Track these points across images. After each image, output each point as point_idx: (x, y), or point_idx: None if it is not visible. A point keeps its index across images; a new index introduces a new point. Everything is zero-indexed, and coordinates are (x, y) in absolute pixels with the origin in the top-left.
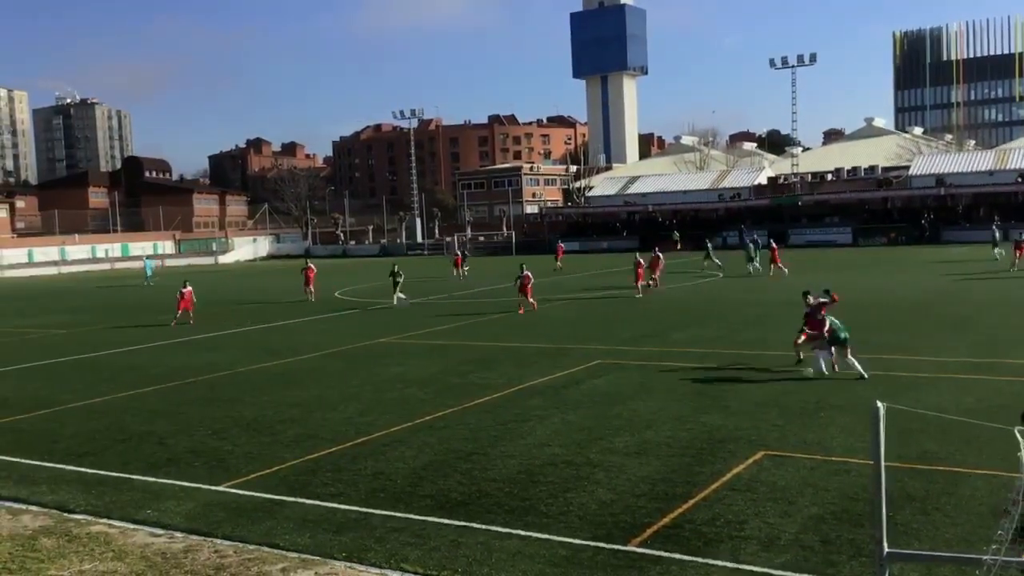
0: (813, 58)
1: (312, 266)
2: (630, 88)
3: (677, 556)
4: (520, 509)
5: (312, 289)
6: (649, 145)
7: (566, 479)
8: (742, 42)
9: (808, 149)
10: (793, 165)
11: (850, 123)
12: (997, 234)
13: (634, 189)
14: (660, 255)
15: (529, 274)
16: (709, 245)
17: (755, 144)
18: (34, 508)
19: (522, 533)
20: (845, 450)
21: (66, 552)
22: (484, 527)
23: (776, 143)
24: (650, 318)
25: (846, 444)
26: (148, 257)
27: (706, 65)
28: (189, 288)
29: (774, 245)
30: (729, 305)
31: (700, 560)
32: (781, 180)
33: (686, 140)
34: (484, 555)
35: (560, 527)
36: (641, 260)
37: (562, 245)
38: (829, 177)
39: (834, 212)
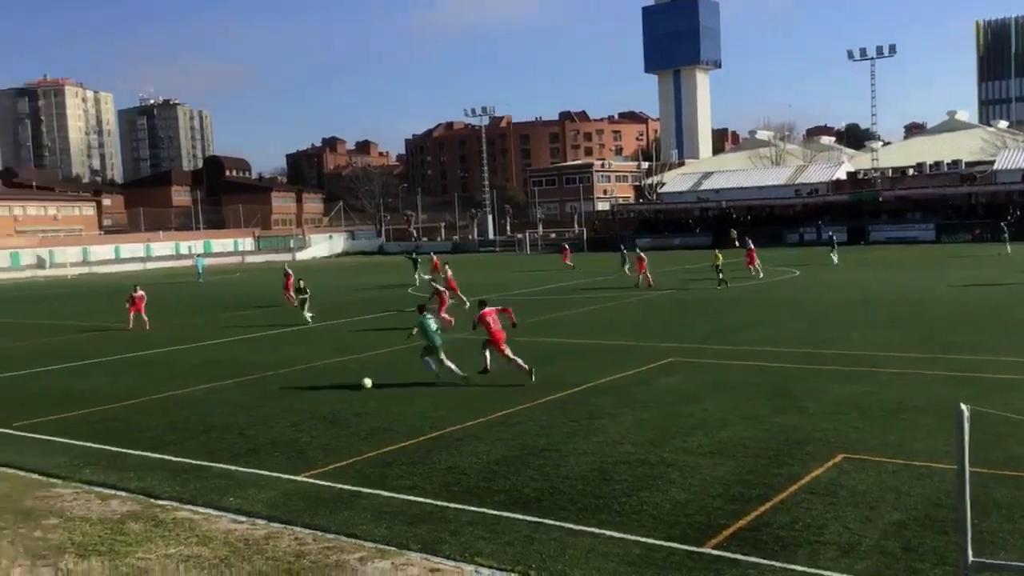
0: (892, 49)
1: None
2: (703, 82)
3: (754, 559)
4: (593, 507)
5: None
6: (723, 140)
7: (640, 478)
8: (819, 34)
9: (888, 144)
10: (873, 160)
11: (932, 116)
12: None
13: (707, 185)
14: (643, 256)
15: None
16: (623, 249)
17: (833, 138)
18: (122, 493)
19: (595, 531)
20: (928, 454)
21: (152, 536)
22: (557, 524)
23: (855, 137)
24: (724, 316)
25: (929, 448)
26: (199, 256)
27: (782, 58)
28: (141, 292)
29: (751, 245)
30: (807, 303)
31: (777, 564)
32: (861, 175)
33: (761, 135)
34: (558, 552)
35: (634, 526)
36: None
37: (568, 247)
38: (911, 172)
39: (916, 208)
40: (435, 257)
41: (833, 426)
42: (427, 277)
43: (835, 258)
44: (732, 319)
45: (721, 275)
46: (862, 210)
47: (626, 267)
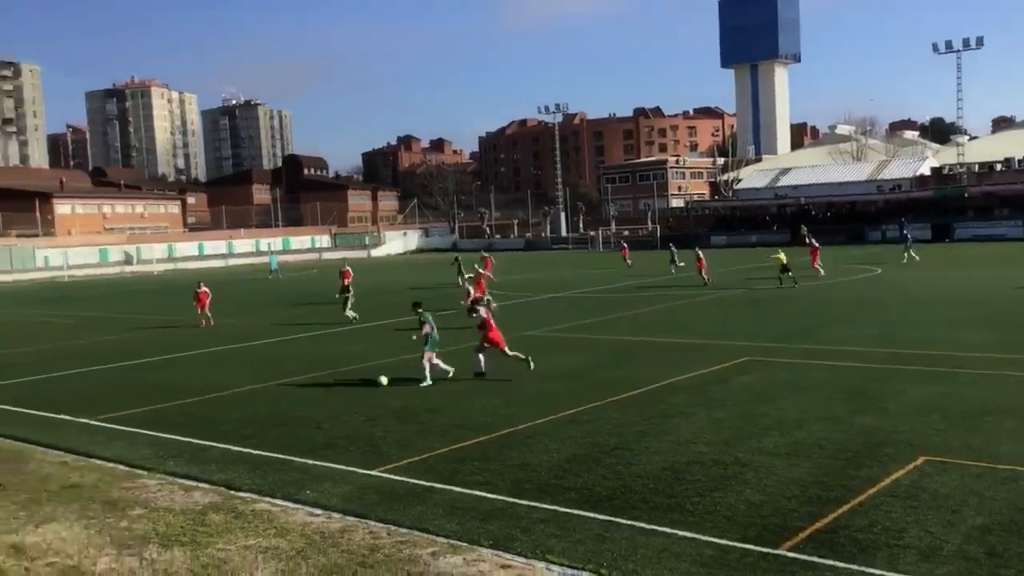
0: (980, 42)
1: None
2: (781, 76)
3: (830, 562)
4: (666, 506)
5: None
6: (801, 135)
7: (713, 478)
8: (903, 25)
9: (975, 138)
10: (959, 155)
11: (1021, 110)
12: None
13: (785, 181)
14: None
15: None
16: (673, 248)
17: (917, 133)
18: (204, 485)
19: (668, 531)
20: (1014, 457)
21: (232, 528)
22: (629, 523)
23: (940, 132)
24: (801, 315)
25: (1015, 451)
26: (273, 253)
27: (864, 50)
28: (205, 288)
29: (815, 244)
30: (888, 302)
31: (855, 567)
32: (946, 171)
33: (842, 129)
34: (629, 551)
35: (707, 526)
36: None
37: (626, 246)
38: (998, 168)
39: (1003, 204)
40: (487, 256)
41: (914, 428)
42: (468, 275)
43: (913, 255)
44: (810, 318)
45: (790, 274)
46: (947, 207)
47: (673, 268)
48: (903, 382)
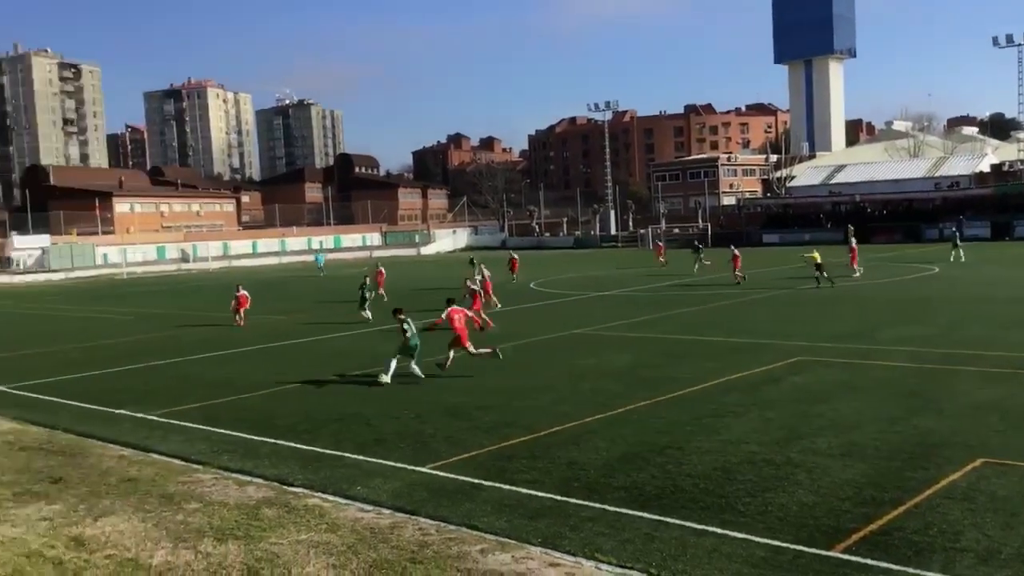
0: None
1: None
2: (836, 72)
3: (885, 565)
4: (716, 506)
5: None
6: (856, 132)
7: (765, 478)
8: (962, 19)
9: None
10: (1020, 151)
11: None
12: None
13: (840, 178)
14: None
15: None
16: (700, 246)
17: (976, 129)
18: (258, 480)
19: (718, 531)
20: None
21: (285, 522)
22: (679, 522)
23: (1001, 127)
24: (856, 314)
25: None
26: (318, 252)
27: (921, 44)
28: (244, 292)
29: (854, 244)
30: (945, 301)
31: (911, 570)
32: (1006, 167)
33: (898, 125)
34: (679, 550)
35: (759, 527)
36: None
37: (661, 244)
38: None
39: None
40: (515, 257)
41: (972, 429)
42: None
43: (960, 255)
44: (865, 318)
45: (825, 274)
46: (1007, 204)
47: (696, 266)
48: (961, 383)
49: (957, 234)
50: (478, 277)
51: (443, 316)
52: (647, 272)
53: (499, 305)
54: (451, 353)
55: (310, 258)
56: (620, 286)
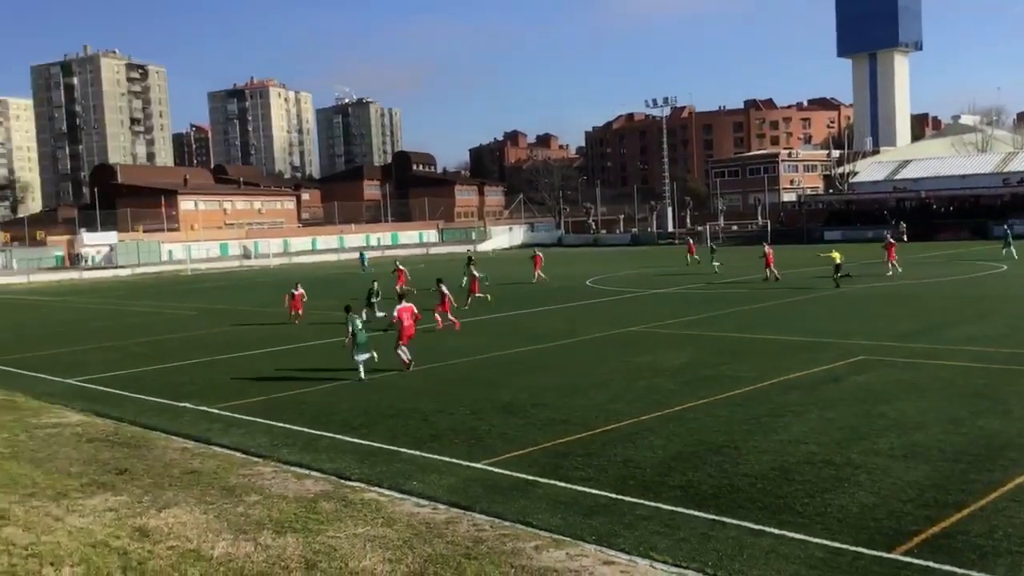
0: None
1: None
2: (902, 66)
3: (948, 568)
4: (774, 507)
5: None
6: (922, 126)
7: (824, 479)
8: None
9: None
10: None
11: None
12: None
13: (905, 174)
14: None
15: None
16: (712, 245)
17: None
18: (316, 474)
19: (776, 531)
20: None
21: (342, 516)
22: (736, 522)
23: None
24: (921, 313)
25: None
26: (362, 250)
27: (990, 36)
28: (301, 291)
29: (891, 240)
30: (1013, 300)
31: (974, 574)
32: None
33: (966, 119)
34: (735, 550)
35: (817, 528)
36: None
37: (692, 242)
38: None
39: None
40: (538, 253)
41: None
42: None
43: (1013, 253)
44: (930, 316)
45: (840, 273)
46: None
47: (715, 266)
48: None
49: (1009, 232)
50: (464, 278)
51: (395, 314)
52: (710, 270)
53: (466, 307)
54: (399, 352)
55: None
56: (675, 284)
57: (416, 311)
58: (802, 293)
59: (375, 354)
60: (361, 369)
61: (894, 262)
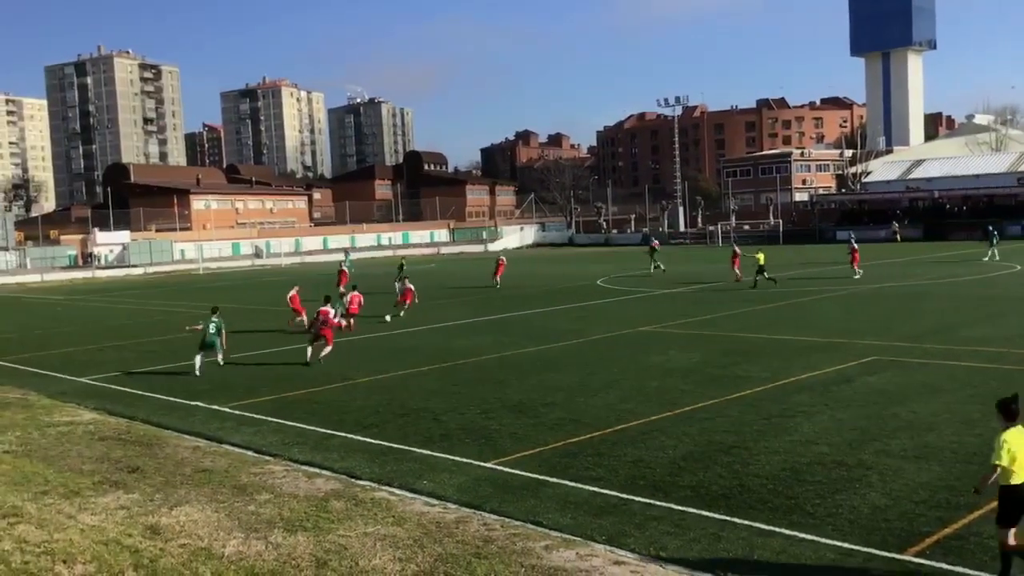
0: None
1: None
2: (915, 65)
3: (959, 569)
4: (785, 507)
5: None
6: (936, 126)
7: (835, 480)
8: None
9: None
10: None
11: None
12: None
13: (918, 173)
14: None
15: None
16: (655, 246)
17: None
18: (326, 473)
19: (787, 532)
20: None
21: (353, 515)
22: (746, 523)
23: None
24: (934, 313)
25: None
26: (347, 250)
27: (1004, 35)
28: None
29: (855, 245)
30: None
31: (985, 575)
32: None
33: (979, 119)
34: (746, 551)
35: (828, 529)
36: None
37: (656, 242)
38: None
39: None
40: (502, 258)
41: None
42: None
43: (995, 254)
44: (943, 316)
45: (766, 274)
46: None
47: (660, 265)
48: None
49: (995, 233)
50: (397, 284)
51: (317, 314)
52: (721, 269)
53: (400, 315)
54: (310, 349)
55: (380, 254)
56: (685, 283)
57: (335, 315)
58: (812, 293)
59: (221, 359)
60: (196, 366)
61: (856, 267)
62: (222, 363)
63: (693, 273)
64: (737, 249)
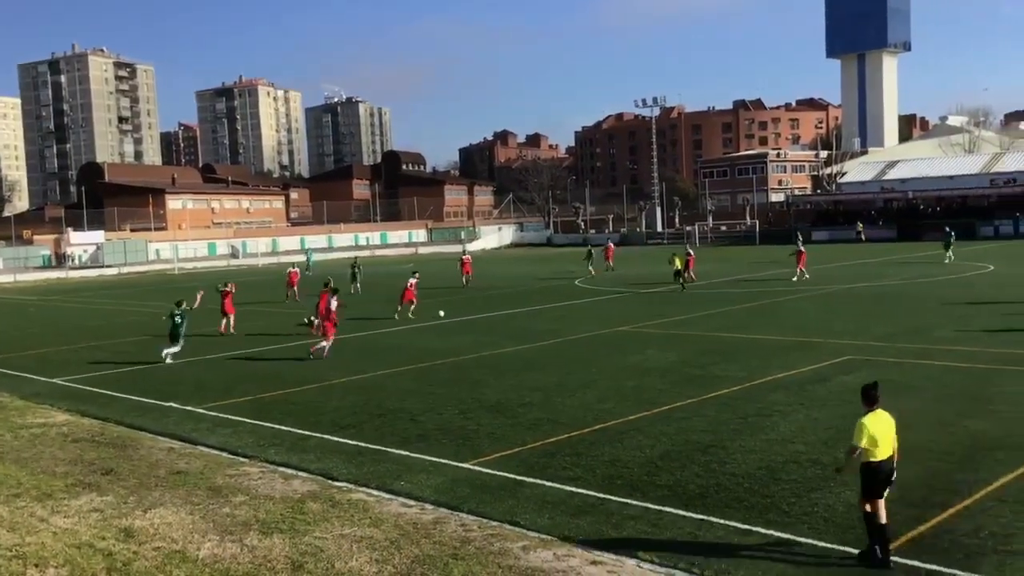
0: None
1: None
2: (890, 66)
3: (934, 567)
4: (761, 506)
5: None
6: (910, 127)
7: (811, 479)
8: (1019, 10)
9: None
10: None
11: None
12: None
13: (892, 175)
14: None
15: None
16: (590, 248)
17: None
18: (303, 474)
19: (763, 531)
20: None
21: (329, 516)
22: (722, 521)
23: None
24: (909, 313)
25: None
26: (309, 250)
27: (978, 37)
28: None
29: (801, 249)
30: (1000, 301)
31: (960, 573)
32: None
33: (953, 121)
34: (723, 550)
35: (804, 528)
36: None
37: (612, 245)
38: None
39: None
40: (466, 256)
41: None
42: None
43: (951, 256)
44: (916, 317)
45: (681, 280)
46: None
47: (591, 265)
48: (1015, 384)
49: (952, 234)
50: (355, 285)
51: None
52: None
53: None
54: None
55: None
56: (664, 283)
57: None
58: (786, 294)
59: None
60: (168, 356)
61: (802, 269)
62: (170, 361)
63: (670, 273)
64: (691, 250)
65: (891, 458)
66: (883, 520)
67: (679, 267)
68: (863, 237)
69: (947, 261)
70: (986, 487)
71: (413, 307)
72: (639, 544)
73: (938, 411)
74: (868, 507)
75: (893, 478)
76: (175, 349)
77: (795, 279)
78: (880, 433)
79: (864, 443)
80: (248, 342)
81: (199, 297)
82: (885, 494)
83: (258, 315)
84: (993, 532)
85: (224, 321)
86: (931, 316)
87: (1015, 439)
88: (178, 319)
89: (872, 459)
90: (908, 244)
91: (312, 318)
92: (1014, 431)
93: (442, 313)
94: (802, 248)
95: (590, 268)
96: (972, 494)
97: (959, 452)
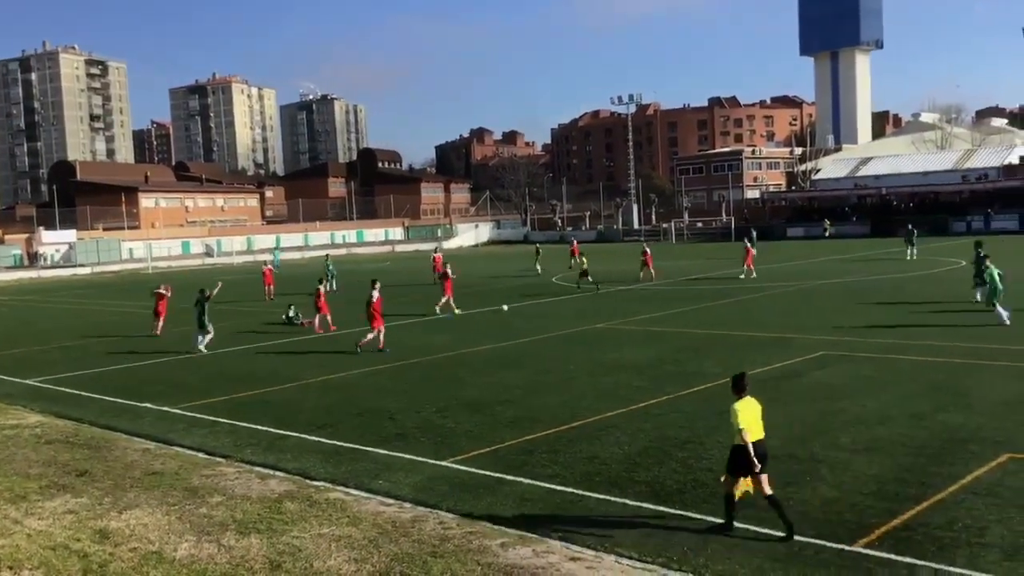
0: None
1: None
2: (863, 64)
3: (908, 559)
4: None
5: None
6: (883, 124)
7: (787, 473)
8: (990, 9)
9: None
10: None
11: None
12: None
13: (866, 171)
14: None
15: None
16: (538, 247)
17: (1005, 120)
18: (280, 474)
19: (739, 525)
20: None
21: (307, 516)
22: (700, 516)
23: None
24: (882, 308)
25: None
26: (277, 249)
27: (949, 35)
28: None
29: (749, 246)
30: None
31: (934, 565)
32: None
33: (925, 117)
34: (700, 545)
35: (780, 523)
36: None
37: (576, 241)
38: None
39: None
40: (437, 254)
41: (1000, 425)
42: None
43: (913, 253)
44: (891, 311)
45: (589, 278)
46: None
47: (538, 265)
48: (989, 378)
49: (914, 232)
50: (327, 284)
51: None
52: (675, 266)
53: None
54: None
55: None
56: (640, 280)
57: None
58: (759, 291)
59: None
60: (203, 347)
61: (749, 267)
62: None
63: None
64: (648, 249)
65: (762, 441)
66: (768, 492)
67: (585, 266)
68: (827, 233)
69: (909, 258)
70: (960, 480)
71: (444, 301)
72: (618, 540)
73: (912, 405)
74: (731, 484)
75: (767, 457)
76: (207, 338)
77: (742, 276)
78: (751, 418)
79: (743, 424)
80: (223, 341)
81: (218, 287)
82: (765, 472)
83: (233, 314)
84: (967, 525)
85: (158, 323)
86: (904, 311)
87: (988, 432)
88: (201, 307)
89: (746, 440)
90: (882, 240)
91: (291, 315)
92: (986, 425)
93: (506, 307)
94: (749, 246)
95: (537, 267)
96: (946, 487)
97: (933, 446)
